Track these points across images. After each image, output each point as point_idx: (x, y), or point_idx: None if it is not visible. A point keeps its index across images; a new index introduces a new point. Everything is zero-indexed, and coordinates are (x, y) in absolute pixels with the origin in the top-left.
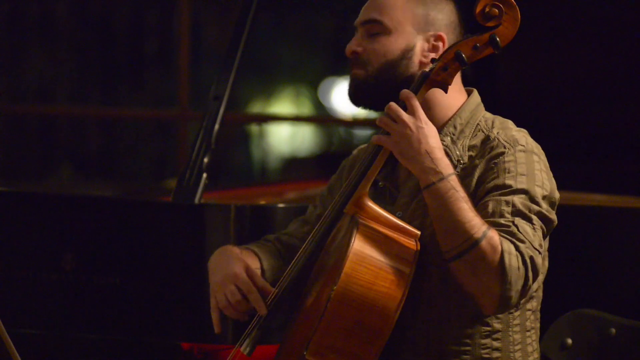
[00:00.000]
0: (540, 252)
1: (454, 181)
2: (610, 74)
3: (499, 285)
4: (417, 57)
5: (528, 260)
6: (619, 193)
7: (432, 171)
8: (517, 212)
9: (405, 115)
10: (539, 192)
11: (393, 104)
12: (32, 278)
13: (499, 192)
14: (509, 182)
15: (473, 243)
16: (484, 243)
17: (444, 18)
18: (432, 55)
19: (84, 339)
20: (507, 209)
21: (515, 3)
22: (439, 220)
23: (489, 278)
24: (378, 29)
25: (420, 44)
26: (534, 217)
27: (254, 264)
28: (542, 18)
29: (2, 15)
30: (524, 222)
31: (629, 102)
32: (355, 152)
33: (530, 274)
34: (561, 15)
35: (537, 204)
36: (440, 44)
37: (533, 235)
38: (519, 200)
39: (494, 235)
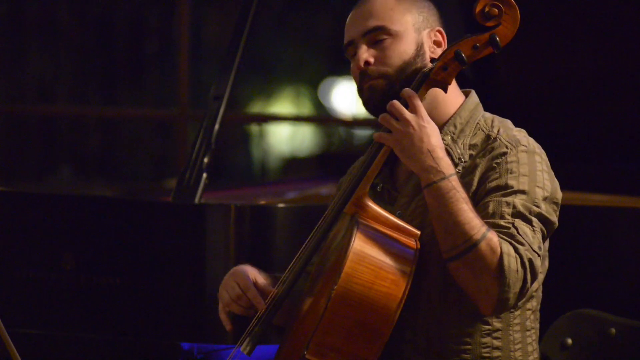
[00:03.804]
0: (539, 255)
1: (455, 181)
2: (610, 74)
3: (497, 287)
4: (427, 53)
5: (527, 263)
6: (619, 193)
7: (433, 170)
8: (517, 214)
9: (407, 114)
10: (539, 194)
11: (396, 102)
12: (32, 278)
13: (500, 192)
14: (511, 182)
15: (472, 244)
16: (483, 244)
17: (434, 14)
18: (439, 49)
19: (84, 339)
20: (507, 210)
21: (514, 3)
22: (438, 220)
23: (487, 280)
24: (383, 35)
25: (426, 40)
26: (534, 219)
27: (268, 281)
28: (542, 18)
29: (2, 15)
30: (524, 224)
31: (629, 102)
32: (351, 168)
33: (528, 277)
34: (561, 15)
35: (538, 205)
36: (440, 37)
37: (532, 237)
38: (519, 201)
39: (493, 237)
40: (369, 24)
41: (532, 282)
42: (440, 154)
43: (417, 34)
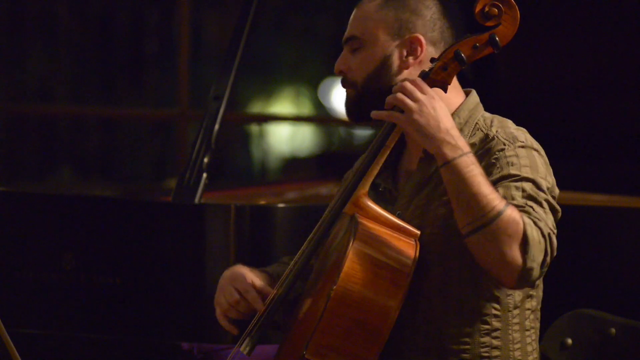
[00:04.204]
0: (554, 233)
1: (473, 157)
2: (610, 73)
3: (522, 256)
4: (395, 64)
5: (547, 235)
6: (619, 193)
7: (453, 147)
8: (528, 196)
9: (420, 94)
10: (543, 184)
11: (407, 83)
12: (32, 278)
13: (507, 180)
14: (514, 172)
15: (497, 213)
16: (507, 213)
17: (418, 17)
18: (411, 58)
19: (84, 339)
20: (518, 193)
21: (514, 3)
22: (459, 195)
23: (512, 249)
24: (356, 45)
25: (397, 51)
26: (544, 202)
27: (264, 281)
28: (542, 18)
29: (2, 15)
30: (536, 205)
31: (629, 101)
32: (356, 164)
33: (549, 249)
34: (561, 15)
35: (544, 192)
36: (417, 43)
37: (546, 217)
38: (527, 186)
39: (514, 208)
40: (347, 33)
41: (551, 257)
42: (456, 132)
43: (387, 43)
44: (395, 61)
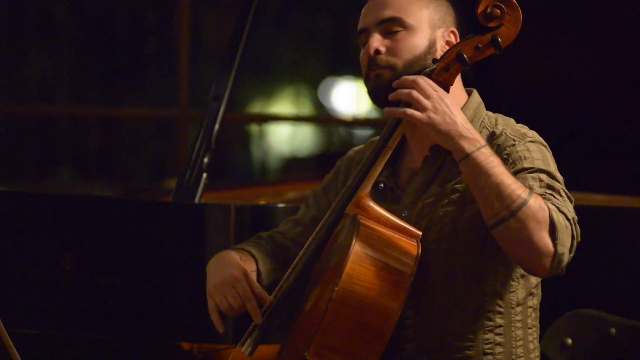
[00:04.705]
0: (576, 219)
1: (490, 149)
2: (610, 74)
3: (552, 241)
4: (438, 52)
5: (571, 220)
6: (619, 193)
7: (470, 140)
8: (546, 186)
9: (432, 91)
10: (558, 176)
11: (421, 80)
12: (32, 278)
13: (523, 173)
14: (528, 165)
15: (523, 201)
16: (532, 201)
17: (451, 16)
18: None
19: (84, 339)
20: (536, 183)
21: (517, 3)
22: (483, 187)
23: (542, 236)
24: (397, 27)
25: (439, 39)
26: (561, 191)
27: (251, 267)
28: (542, 18)
29: (2, 15)
30: (555, 193)
31: (629, 102)
32: (350, 152)
33: (575, 233)
34: (561, 15)
35: (559, 182)
36: (453, 38)
37: (566, 204)
38: (544, 176)
39: (538, 196)
40: (384, 14)
41: (578, 241)
42: (470, 126)
43: (431, 31)
44: (439, 49)
